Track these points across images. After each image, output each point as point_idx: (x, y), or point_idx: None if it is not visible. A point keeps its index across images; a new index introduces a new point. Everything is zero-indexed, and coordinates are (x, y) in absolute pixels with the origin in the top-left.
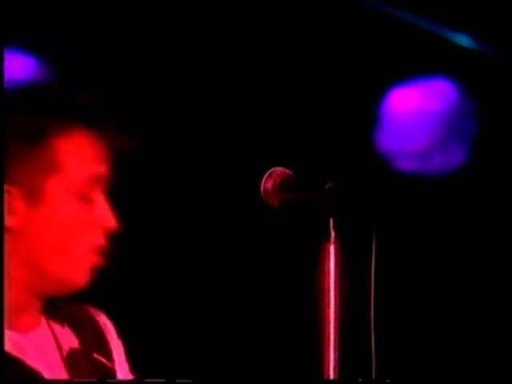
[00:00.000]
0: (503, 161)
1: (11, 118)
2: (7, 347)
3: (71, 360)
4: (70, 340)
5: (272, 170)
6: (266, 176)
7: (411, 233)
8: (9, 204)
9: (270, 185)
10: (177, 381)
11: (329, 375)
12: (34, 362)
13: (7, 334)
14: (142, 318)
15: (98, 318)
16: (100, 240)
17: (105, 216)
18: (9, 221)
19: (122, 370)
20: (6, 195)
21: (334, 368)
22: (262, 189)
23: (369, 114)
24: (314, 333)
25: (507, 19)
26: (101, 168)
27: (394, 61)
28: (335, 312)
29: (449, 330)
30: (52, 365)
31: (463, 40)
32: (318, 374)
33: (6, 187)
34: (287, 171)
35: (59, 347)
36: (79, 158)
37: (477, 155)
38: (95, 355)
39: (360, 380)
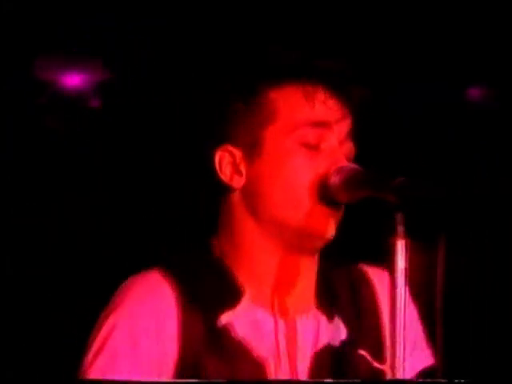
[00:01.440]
0: None
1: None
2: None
3: (320, 358)
4: (334, 335)
5: (340, 165)
6: (333, 171)
7: (481, 230)
8: (233, 165)
9: (338, 180)
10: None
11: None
12: (272, 350)
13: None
14: None
15: (380, 297)
16: None
17: (333, 161)
18: (236, 182)
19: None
20: (228, 157)
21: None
22: (329, 184)
23: (439, 109)
24: None
25: None
26: (323, 114)
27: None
28: (403, 308)
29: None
30: (300, 358)
31: None
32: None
33: (229, 148)
34: (355, 167)
35: (315, 341)
36: (295, 105)
37: None
38: (362, 352)
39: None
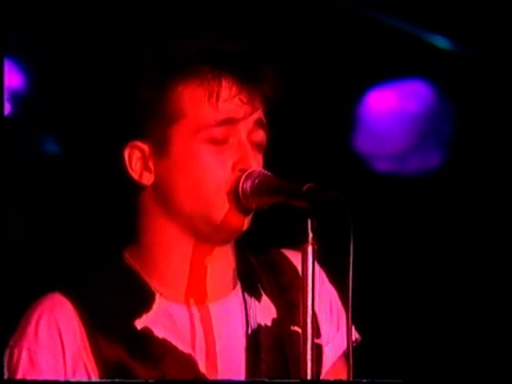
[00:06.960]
0: (478, 162)
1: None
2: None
3: (254, 338)
4: (264, 314)
5: (250, 171)
6: (244, 177)
7: (388, 233)
8: (143, 161)
9: (248, 186)
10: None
11: (306, 375)
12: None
13: (180, 308)
14: None
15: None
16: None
17: (242, 155)
18: (145, 178)
19: (334, 345)
20: (137, 152)
21: (312, 368)
22: (240, 190)
23: (346, 116)
24: None
25: (482, 21)
26: (227, 112)
27: (371, 62)
28: (312, 311)
29: (421, 329)
30: (231, 340)
31: (440, 41)
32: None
33: (138, 144)
34: (265, 172)
35: (246, 323)
36: (200, 105)
37: (452, 156)
38: (294, 328)
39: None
